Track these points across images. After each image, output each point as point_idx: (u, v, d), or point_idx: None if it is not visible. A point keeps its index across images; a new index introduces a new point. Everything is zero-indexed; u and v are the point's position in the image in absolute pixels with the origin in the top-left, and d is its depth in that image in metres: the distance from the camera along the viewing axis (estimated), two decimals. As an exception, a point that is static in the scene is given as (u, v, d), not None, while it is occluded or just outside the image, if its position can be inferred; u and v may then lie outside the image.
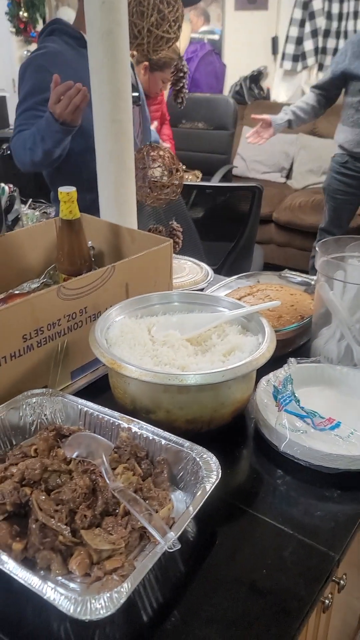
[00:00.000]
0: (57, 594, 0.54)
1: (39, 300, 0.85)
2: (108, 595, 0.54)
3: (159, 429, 0.76)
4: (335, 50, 4.17)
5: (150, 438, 0.75)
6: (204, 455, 0.71)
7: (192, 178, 3.46)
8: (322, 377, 0.93)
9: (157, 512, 0.65)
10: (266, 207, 3.44)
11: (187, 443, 0.73)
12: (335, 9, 4.10)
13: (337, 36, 4.18)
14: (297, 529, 0.70)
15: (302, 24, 4.17)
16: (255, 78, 4.44)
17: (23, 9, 3.93)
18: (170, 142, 3.15)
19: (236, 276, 1.24)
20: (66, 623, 0.59)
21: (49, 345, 0.89)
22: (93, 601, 0.54)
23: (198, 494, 0.66)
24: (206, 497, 0.66)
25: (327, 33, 4.17)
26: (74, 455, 0.71)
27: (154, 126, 2.51)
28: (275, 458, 0.82)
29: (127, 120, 1.31)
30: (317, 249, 0.97)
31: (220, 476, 0.68)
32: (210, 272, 1.30)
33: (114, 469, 0.71)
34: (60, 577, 0.62)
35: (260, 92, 4.50)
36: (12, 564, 0.57)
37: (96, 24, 1.19)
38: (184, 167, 1.55)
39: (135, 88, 1.73)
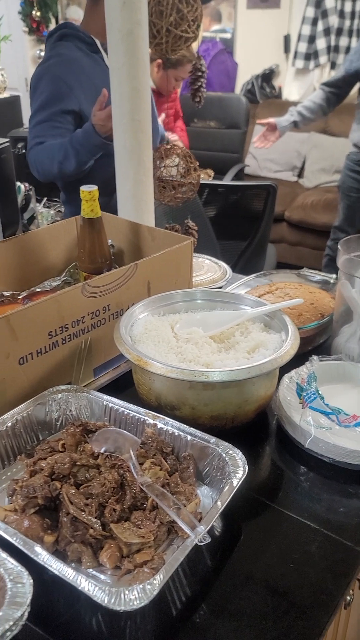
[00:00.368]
0: (92, 585, 0.55)
1: (65, 297, 0.86)
2: (141, 586, 0.55)
3: (185, 425, 0.77)
4: (348, 48, 4.15)
5: (176, 434, 0.76)
6: (230, 451, 0.72)
7: (204, 177, 3.46)
8: (344, 375, 0.94)
9: (185, 506, 0.66)
10: (278, 205, 3.44)
11: (213, 439, 0.74)
12: (348, 7, 4.09)
13: (350, 34, 4.16)
14: (323, 524, 0.71)
15: (314, 22, 4.16)
16: (267, 76, 4.43)
17: (36, 8, 3.95)
18: (184, 135, 3.14)
19: (255, 274, 1.25)
20: (98, 614, 0.60)
21: (73, 342, 0.90)
22: (127, 592, 0.55)
23: (225, 489, 0.67)
24: (234, 492, 0.66)
25: (339, 31, 4.15)
26: (102, 450, 0.72)
27: (161, 119, 2.50)
28: (298, 454, 0.83)
29: (146, 119, 1.31)
30: (339, 247, 0.98)
31: (247, 472, 0.69)
32: (229, 270, 1.31)
33: (141, 464, 0.72)
34: (90, 570, 0.63)
35: (272, 90, 4.50)
36: (46, 555, 0.58)
37: (117, 25, 1.20)
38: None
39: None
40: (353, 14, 4.10)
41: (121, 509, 0.66)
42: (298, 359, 0.90)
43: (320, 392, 0.82)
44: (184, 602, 0.63)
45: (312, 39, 4.24)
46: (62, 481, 0.69)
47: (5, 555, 0.55)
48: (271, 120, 2.55)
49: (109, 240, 1.17)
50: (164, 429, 0.77)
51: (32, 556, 0.58)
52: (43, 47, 4.22)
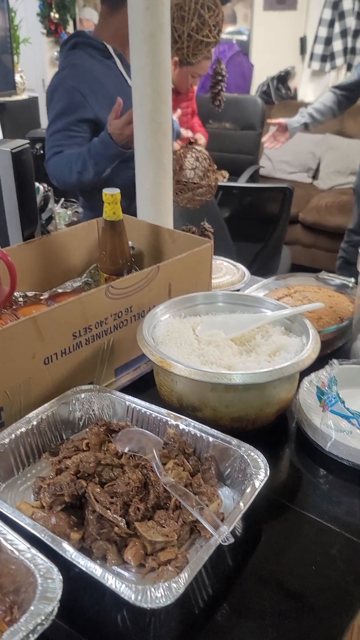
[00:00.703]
0: (118, 582, 0.57)
1: (89, 299, 0.87)
2: (166, 585, 0.56)
3: (206, 426, 0.78)
4: (365, 50, 4.14)
5: (198, 435, 0.77)
6: (252, 453, 0.73)
7: (219, 178, 3.47)
8: (363, 379, 0.94)
9: (207, 507, 0.67)
10: (292, 207, 3.44)
11: (234, 441, 0.75)
12: (366, 9, 4.08)
13: (367, 36, 4.15)
14: (343, 528, 0.71)
15: (331, 24, 4.15)
16: (283, 78, 4.43)
17: (54, 10, 3.99)
18: (202, 131, 3.14)
19: (273, 277, 1.26)
20: (123, 610, 0.61)
21: (96, 343, 0.91)
22: (153, 590, 0.56)
23: (247, 490, 0.68)
24: (256, 493, 0.67)
25: (356, 33, 4.14)
26: (126, 450, 0.74)
27: (176, 115, 2.52)
28: (318, 457, 0.83)
29: (167, 122, 1.33)
30: (359, 250, 0.98)
31: (268, 474, 0.70)
32: (247, 272, 1.32)
33: (164, 464, 0.73)
34: (115, 567, 0.64)
35: (287, 92, 4.49)
36: (74, 552, 0.59)
37: (139, 27, 1.21)
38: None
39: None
40: (370, 16, 4.09)
41: (145, 508, 0.67)
42: (317, 363, 0.90)
43: (341, 396, 0.83)
44: (206, 601, 0.64)
45: (328, 41, 4.23)
46: (87, 480, 0.70)
47: (35, 552, 0.57)
48: (282, 120, 2.55)
49: (130, 242, 1.19)
50: (186, 430, 0.78)
51: (60, 552, 0.59)
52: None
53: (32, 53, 3.89)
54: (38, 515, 0.66)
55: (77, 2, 4.27)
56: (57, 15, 4.02)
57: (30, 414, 0.79)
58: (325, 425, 0.80)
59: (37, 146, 2.51)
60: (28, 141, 1.74)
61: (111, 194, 1.04)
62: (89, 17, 4.30)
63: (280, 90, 4.42)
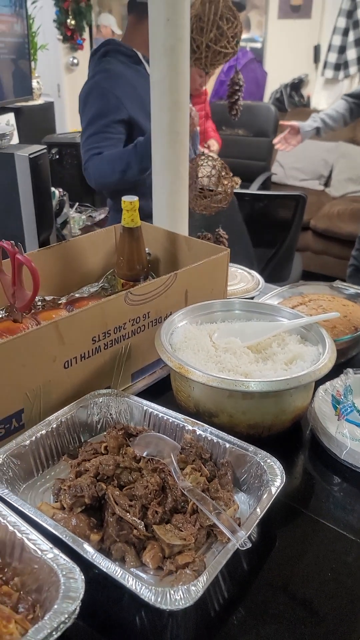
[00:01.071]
0: (139, 583, 0.58)
1: (109, 305, 0.89)
2: (185, 587, 0.58)
3: (223, 432, 0.79)
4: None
5: (215, 441, 0.78)
6: (268, 460, 0.74)
7: (232, 185, 3.49)
8: (377, 388, 0.95)
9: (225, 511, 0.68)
10: (304, 214, 3.45)
11: (251, 447, 0.76)
12: (380, 17, 4.09)
13: (381, 45, 4.16)
14: (359, 536, 0.72)
15: (345, 32, 4.17)
16: (296, 85, 4.45)
17: (70, 16, 4.03)
18: (217, 135, 3.16)
19: (287, 285, 1.27)
20: (141, 612, 0.62)
21: (114, 348, 0.93)
22: (172, 592, 0.57)
23: (264, 496, 0.69)
24: (272, 499, 0.68)
25: (371, 42, 4.15)
26: (144, 454, 0.75)
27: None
28: (332, 465, 0.84)
29: (184, 132, 1.35)
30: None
31: (284, 480, 0.71)
32: (261, 280, 1.33)
33: (181, 469, 0.74)
34: (133, 569, 0.65)
35: (300, 99, 4.51)
36: (94, 553, 0.61)
37: (160, 40, 1.24)
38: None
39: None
40: (385, 25, 4.10)
41: (163, 512, 0.69)
42: (332, 371, 0.91)
43: (356, 405, 0.84)
44: (222, 604, 0.65)
45: (342, 49, 4.24)
46: (106, 482, 0.71)
47: (58, 552, 0.58)
48: (294, 123, 2.56)
49: (146, 249, 1.21)
50: (203, 436, 0.80)
51: (81, 553, 0.61)
52: (76, 54, 4.30)
53: (48, 59, 3.93)
54: (58, 516, 0.68)
55: (93, 9, 4.32)
56: (73, 22, 4.07)
57: (50, 417, 0.81)
58: (341, 434, 0.81)
59: (53, 151, 2.55)
60: (45, 146, 1.77)
61: (130, 201, 1.06)
62: (106, 24, 4.35)
63: (294, 97, 4.44)
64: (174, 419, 0.82)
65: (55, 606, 0.53)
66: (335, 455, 0.83)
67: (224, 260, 1.10)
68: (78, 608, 0.54)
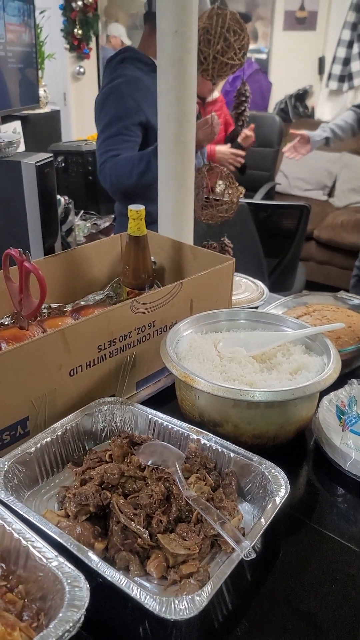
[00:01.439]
0: (143, 593, 0.58)
1: (115, 313, 0.89)
2: (190, 597, 0.57)
3: (227, 442, 0.79)
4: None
5: (219, 450, 0.79)
6: (272, 470, 0.74)
7: (238, 194, 3.50)
8: (382, 399, 0.95)
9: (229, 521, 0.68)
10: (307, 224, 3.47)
11: (255, 457, 0.76)
12: (384, 30, 4.12)
13: (386, 57, 4.19)
14: (362, 547, 0.72)
15: (350, 45, 4.20)
16: (301, 96, 4.48)
17: (77, 26, 4.08)
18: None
19: (292, 295, 1.27)
20: (145, 622, 0.62)
21: (119, 356, 0.93)
22: (177, 602, 0.57)
23: (269, 506, 0.69)
24: (277, 510, 0.68)
25: (375, 54, 4.18)
26: (149, 463, 0.75)
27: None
28: (336, 475, 0.84)
29: (191, 142, 1.36)
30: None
31: (289, 491, 0.71)
32: (266, 290, 1.33)
33: (186, 478, 0.74)
34: (137, 578, 0.65)
35: (305, 110, 4.54)
36: (99, 562, 0.61)
37: (168, 51, 1.25)
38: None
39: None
40: (389, 38, 4.13)
41: (167, 521, 0.69)
42: (336, 382, 0.91)
43: (360, 416, 0.84)
44: (225, 615, 0.65)
45: (347, 61, 4.28)
46: (111, 491, 0.72)
47: (63, 560, 0.58)
48: (304, 132, 2.58)
49: (152, 257, 1.21)
50: (207, 445, 0.80)
51: (86, 562, 0.61)
52: (82, 64, 4.34)
53: (54, 67, 3.97)
54: (63, 524, 0.68)
55: (100, 19, 4.36)
56: (80, 32, 4.11)
57: (56, 425, 0.81)
58: (345, 445, 0.81)
59: (59, 159, 2.56)
60: (52, 155, 1.79)
61: (136, 210, 1.07)
62: (116, 34, 4.40)
63: (298, 108, 4.47)
64: (178, 428, 0.83)
65: (60, 614, 0.53)
66: (340, 466, 0.83)
67: (229, 270, 1.11)
68: (83, 617, 0.54)
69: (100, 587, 0.61)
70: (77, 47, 4.19)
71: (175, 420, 0.84)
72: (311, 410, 0.87)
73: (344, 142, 3.23)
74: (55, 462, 0.80)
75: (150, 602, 0.57)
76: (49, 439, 0.79)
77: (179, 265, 1.23)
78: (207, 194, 1.57)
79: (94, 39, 4.26)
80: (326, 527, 0.76)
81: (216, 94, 3.02)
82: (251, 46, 4.71)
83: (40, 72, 3.19)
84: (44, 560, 0.58)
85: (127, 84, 1.76)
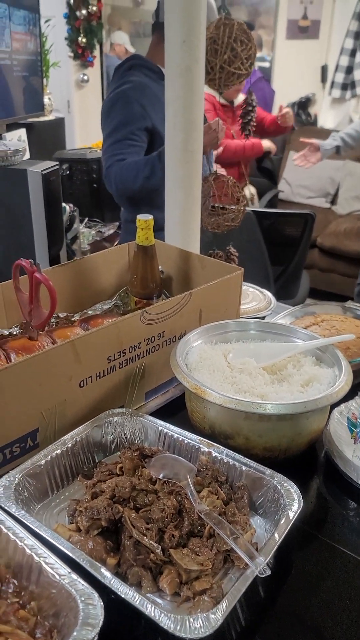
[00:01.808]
0: (157, 610, 0.57)
1: (124, 324, 0.89)
2: (205, 615, 0.57)
3: (239, 455, 0.78)
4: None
5: (231, 463, 0.78)
6: (285, 484, 0.73)
7: (245, 204, 3.51)
8: (392, 411, 0.94)
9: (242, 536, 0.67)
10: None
11: (268, 470, 0.75)
12: (387, 39, 4.14)
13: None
14: (376, 563, 0.71)
15: (352, 53, 4.22)
16: (304, 104, 4.49)
17: (82, 35, 4.10)
18: (257, 140, 3.13)
19: (300, 305, 1.27)
20: (158, 639, 0.61)
21: (128, 367, 0.93)
22: (191, 620, 0.56)
23: (282, 521, 0.68)
24: (290, 524, 0.68)
25: (378, 63, 4.20)
26: (161, 476, 0.74)
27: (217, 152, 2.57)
28: (348, 488, 0.83)
29: (198, 151, 1.36)
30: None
31: (302, 505, 0.70)
32: (273, 299, 1.33)
33: (198, 491, 0.74)
34: (150, 595, 0.64)
35: (307, 118, 4.55)
36: (112, 578, 0.60)
37: (175, 60, 1.25)
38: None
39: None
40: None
41: (180, 535, 0.68)
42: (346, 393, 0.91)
43: (372, 429, 0.83)
44: (239, 632, 0.64)
45: (349, 70, 4.29)
46: (123, 505, 0.71)
47: (76, 576, 0.57)
48: (314, 141, 2.59)
49: (159, 267, 1.21)
50: (219, 458, 0.79)
51: (99, 578, 0.60)
52: (86, 72, 4.36)
53: (59, 75, 3.99)
54: (75, 538, 0.67)
55: (104, 27, 4.39)
56: (84, 40, 4.13)
57: (66, 437, 0.80)
58: (358, 458, 0.80)
59: (64, 167, 2.57)
60: (57, 163, 1.79)
61: (145, 220, 1.07)
62: (120, 42, 4.42)
63: (301, 116, 4.49)
64: (189, 440, 0.82)
65: (75, 633, 0.52)
66: (351, 479, 0.82)
67: (238, 280, 1.11)
68: (97, 636, 0.53)
69: (112, 603, 0.60)
70: (81, 55, 4.21)
71: (185, 433, 0.83)
72: (322, 422, 0.86)
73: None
74: (65, 475, 0.79)
75: (165, 620, 0.56)
76: (59, 451, 0.78)
77: (187, 274, 1.23)
78: (213, 202, 1.57)
79: (98, 47, 4.28)
80: (339, 541, 0.75)
81: (241, 96, 3.03)
82: (254, 54, 4.75)
83: (45, 80, 3.21)
84: (57, 577, 0.57)
85: (134, 89, 1.77)
